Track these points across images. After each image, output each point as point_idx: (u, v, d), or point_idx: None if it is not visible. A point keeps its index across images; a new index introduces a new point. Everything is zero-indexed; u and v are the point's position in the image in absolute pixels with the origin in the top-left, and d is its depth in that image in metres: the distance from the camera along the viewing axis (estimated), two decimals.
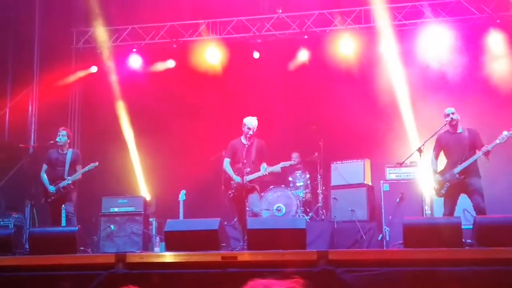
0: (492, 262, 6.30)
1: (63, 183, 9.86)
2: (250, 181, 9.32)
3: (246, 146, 9.41)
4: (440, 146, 9.10)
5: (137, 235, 11.31)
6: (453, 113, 8.98)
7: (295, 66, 12.80)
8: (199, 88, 12.77)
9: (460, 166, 8.75)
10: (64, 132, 10.11)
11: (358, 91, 11.95)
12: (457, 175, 8.75)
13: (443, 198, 9.02)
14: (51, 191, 9.88)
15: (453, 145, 8.97)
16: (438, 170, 9.04)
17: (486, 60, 11.64)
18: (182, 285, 6.71)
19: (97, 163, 10.00)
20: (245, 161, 9.33)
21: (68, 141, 10.22)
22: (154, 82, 13.02)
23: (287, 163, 9.73)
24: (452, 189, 8.83)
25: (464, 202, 8.97)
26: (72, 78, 13.23)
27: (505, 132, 8.56)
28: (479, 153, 8.66)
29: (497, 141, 8.57)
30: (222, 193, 9.93)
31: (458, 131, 9.02)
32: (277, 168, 9.53)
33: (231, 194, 9.42)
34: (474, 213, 8.68)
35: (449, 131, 9.04)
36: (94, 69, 13.28)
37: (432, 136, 9.13)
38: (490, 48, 11.68)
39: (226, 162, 9.65)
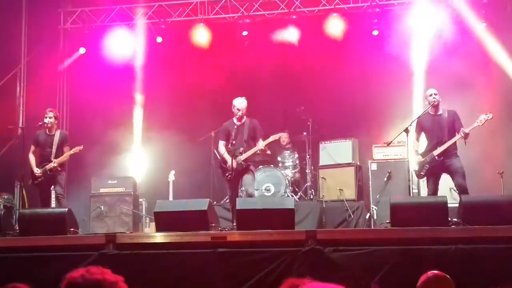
0: (477, 240, 6.41)
1: (49, 165, 9.84)
2: (245, 160, 9.37)
3: (236, 126, 9.46)
4: (421, 128, 9.18)
5: (127, 216, 11.35)
6: (435, 94, 9.05)
7: (283, 46, 12.78)
8: (187, 69, 12.75)
9: (440, 148, 8.83)
10: (51, 114, 10.04)
11: (346, 71, 11.98)
12: (436, 157, 8.84)
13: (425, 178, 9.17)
14: (36, 174, 9.87)
15: (433, 127, 9.04)
16: (420, 152, 9.14)
17: (477, 40, 11.67)
18: (172, 265, 6.78)
19: (81, 146, 9.94)
20: (234, 141, 9.38)
21: (56, 122, 10.18)
22: (142, 63, 12.96)
23: (276, 136, 9.74)
24: (432, 170, 8.93)
25: (450, 181, 9.06)
26: (60, 59, 13.19)
27: (482, 115, 8.65)
28: (457, 136, 8.74)
29: (475, 124, 8.66)
30: (220, 175, 10.00)
31: (439, 112, 9.09)
32: (267, 141, 9.56)
33: (229, 176, 9.45)
34: None
35: (429, 113, 9.11)
36: (82, 50, 13.21)
37: (419, 116, 9.19)
38: (480, 29, 11.72)
39: (220, 144, 9.70)
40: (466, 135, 8.62)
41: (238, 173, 9.36)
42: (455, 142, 8.83)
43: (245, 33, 12.76)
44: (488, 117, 8.62)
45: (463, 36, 11.54)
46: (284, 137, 12.04)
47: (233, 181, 9.49)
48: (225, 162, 9.49)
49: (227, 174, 9.46)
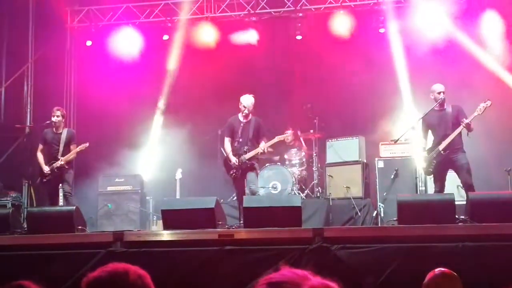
0: (484, 237, 6.40)
1: (56, 164, 9.87)
2: (249, 159, 9.38)
3: (242, 124, 9.47)
4: (427, 125, 9.18)
5: (135, 214, 11.38)
6: (443, 92, 9.06)
7: (289, 44, 12.79)
8: (194, 67, 12.75)
9: (444, 142, 8.83)
10: (58, 112, 10.07)
11: (353, 68, 11.95)
12: (441, 152, 8.83)
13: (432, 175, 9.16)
14: (45, 171, 9.90)
15: (438, 123, 9.05)
16: (427, 148, 9.13)
17: (480, 35, 11.64)
18: (179, 263, 6.79)
19: (87, 144, 9.98)
20: (240, 139, 9.39)
21: (63, 121, 10.21)
22: (149, 61, 12.98)
23: (282, 136, 9.78)
24: (439, 166, 8.92)
25: (457, 179, 9.04)
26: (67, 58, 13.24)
27: (481, 104, 8.67)
28: (460, 127, 8.73)
29: (475, 113, 8.68)
30: (224, 173, 10.04)
31: (444, 108, 9.09)
32: (272, 142, 9.59)
33: (233, 174, 9.48)
34: None
35: (435, 109, 9.11)
36: (88, 43, 13.23)
37: (426, 113, 9.18)
38: (484, 24, 11.69)
39: (226, 141, 9.72)
40: (468, 125, 8.62)
41: (242, 171, 9.39)
42: (460, 136, 8.83)
43: (253, 35, 12.73)
44: (487, 104, 8.64)
45: (467, 33, 11.52)
46: (287, 135, 12.03)
47: (239, 179, 9.51)
48: (230, 159, 9.51)
49: (231, 172, 9.49)
